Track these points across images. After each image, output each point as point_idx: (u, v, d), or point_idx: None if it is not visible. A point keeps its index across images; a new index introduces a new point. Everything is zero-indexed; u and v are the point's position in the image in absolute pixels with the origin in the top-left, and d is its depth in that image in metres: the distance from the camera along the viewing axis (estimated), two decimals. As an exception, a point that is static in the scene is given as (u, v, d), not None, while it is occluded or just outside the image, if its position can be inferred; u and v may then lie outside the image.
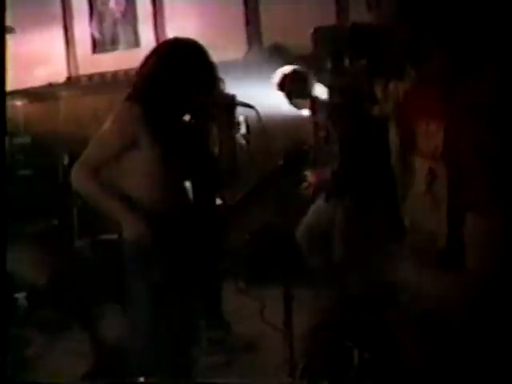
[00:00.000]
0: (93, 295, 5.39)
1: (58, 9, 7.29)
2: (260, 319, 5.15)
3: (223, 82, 3.47)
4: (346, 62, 5.72)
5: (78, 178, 3.27)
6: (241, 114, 3.62)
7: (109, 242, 5.59)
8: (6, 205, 3.47)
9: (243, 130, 4.48)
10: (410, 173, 2.12)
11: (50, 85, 7.16)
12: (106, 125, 3.26)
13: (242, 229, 5.01)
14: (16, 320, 5.22)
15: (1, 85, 3.29)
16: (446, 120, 1.99)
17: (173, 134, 3.33)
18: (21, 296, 5.45)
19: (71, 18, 7.26)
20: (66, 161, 6.33)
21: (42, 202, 5.91)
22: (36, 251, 5.45)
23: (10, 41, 7.32)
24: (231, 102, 3.45)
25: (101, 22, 7.18)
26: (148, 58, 3.38)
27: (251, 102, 3.58)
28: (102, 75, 7.07)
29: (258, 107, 3.73)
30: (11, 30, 7.20)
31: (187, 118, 3.47)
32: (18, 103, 7.27)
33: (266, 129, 3.72)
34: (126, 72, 6.76)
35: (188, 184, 3.49)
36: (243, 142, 3.66)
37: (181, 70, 3.29)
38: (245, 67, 5.56)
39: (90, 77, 7.10)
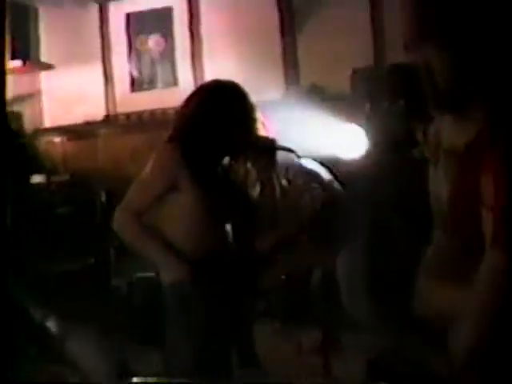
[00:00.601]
0: (128, 334, 5.39)
1: (97, 47, 7.35)
2: (297, 360, 5.14)
3: (263, 124, 3.48)
4: (385, 103, 5.72)
5: (120, 223, 3.28)
6: (281, 157, 3.61)
7: (145, 280, 5.60)
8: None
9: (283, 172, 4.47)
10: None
11: (88, 123, 7.21)
12: (147, 168, 3.27)
13: (279, 271, 4.98)
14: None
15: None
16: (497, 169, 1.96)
17: (212, 177, 3.33)
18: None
19: (110, 56, 7.32)
20: (103, 198, 6.37)
21: (79, 240, 5.93)
22: (73, 290, 5.47)
23: (49, 77, 7.46)
24: (271, 146, 3.46)
25: (139, 60, 7.24)
26: (188, 100, 3.39)
27: (288, 142, 3.59)
28: (139, 114, 7.11)
29: (295, 147, 3.73)
30: (50, 67, 7.31)
31: (227, 160, 3.48)
32: (57, 140, 7.34)
33: (305, 172, 3.72)
34: (164, 111, 6.81)
35: (227, 226, 3.48)
36: (284, 184, 3.63)
37: (221, 112, 3.30)
38: (282, 107, 5.56)
39: (128, 115, 7.14)
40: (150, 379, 2.79)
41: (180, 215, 3.29)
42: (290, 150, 3.50)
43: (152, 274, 5.08)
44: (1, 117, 3.03)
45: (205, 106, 3.32)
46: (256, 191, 3.63)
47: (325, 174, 4.00)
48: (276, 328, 5.81)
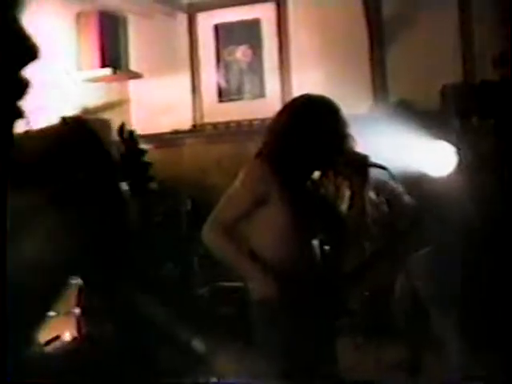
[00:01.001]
0: (212, 343, 5.42)
1: (185, 57, 7.43)
2: (379, 376, 5.10)
3: (354, 139, 3.47)
4: (474, 120, 5.66)
5: (210, 236, 3.30)
6: (373, 174, 3.59)
7: (229, 289, 5.63)
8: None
9: (375, 189, 4.46)
10: None
11: (176, 132, 7.29)
12: (237, 182, 3.29)
13: (365, 287, 4.97)
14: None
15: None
16: None
17: (302, 192, 3.33)
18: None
19: (198, 66, 7.40)
20: (189, 207, 6.43)
21: (164, 248, 5.99)
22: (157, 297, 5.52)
23: (138, 86, 7.57)
24: (364, 162, 3.44)
25: (227, 71, 7.30)
26: (280, 114, 3.40)
27: (375, 157, 3.56)
28: (226, 124, 7.17)
29: (382, 162, 3.71)
30: (138, 76, 7.42)
31: (317, 175, 3.48)
32: (144, 148, 7.43)
33: (397, 189, 3.70)
34: (251, 122, 6.87)
35: (315, 242, 3.48)
36: (375, 201, 3.64)
37: (314, 127, 3.29)
38: (370, 122, 5.54)
39: (215, 125, 7.21)
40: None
41: (269, 230, 3.30)
42: (382, 168, 3.48)
43: (235, 284, 5.12)
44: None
45: (296, 121, 3.32)
46: (346, 207, 3.62)
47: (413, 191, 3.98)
48: (358, 344, 5.78)
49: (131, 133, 6.23)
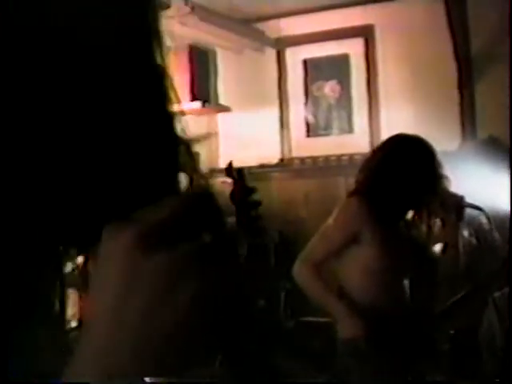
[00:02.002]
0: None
1: (273, 91, 7.52)
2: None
3: (449, 180, 3.48)
4: None
5: (301, 273, 3.36)
6: (468, 215, 3.60)
7: (314, 324, 5.65)
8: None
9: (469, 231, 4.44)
10: None
11: (262, 165, 7.36)
12: (330, 219, 3.34)
13: (450, 329, 4.94)
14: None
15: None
16: None
17: (395, 231, 3.36)
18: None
19: (286, 100, 7.48)
20: (276, 241, 6.48)
21: (251, 282, 6.04)
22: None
23: (226, 120, 7.69)
24: (460, 203, 3.45)
25: (315, 106, 7.36)
26: (375, 153, 3.44)
27: (465, 195, 3.57)
28: (314, 159, 7.21)
29: (471, 200, 3.71)
30: (227, 109, 7.54)
31: (410, 215, 3.50)
32: (230, 181, 7.51)
33: (493, 230, 3.69)
34: (339, 157, 6.90)
35: (406, 282, 3.49)
36: (471, 243, 3.63)
37: (409, 167, 3.33)
38: (459, 159, 5.52)
39: (303, 160, 7.26)
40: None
41: (359, 268, 3.33)
42: (479, 209, 3.49)
43: (320, 319, 5.14)
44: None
45: (393, 160, 3.36)
46: (439, 248, 3.63)
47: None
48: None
49: (240, 170, 6.27)
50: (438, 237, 3.55)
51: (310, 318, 5.80)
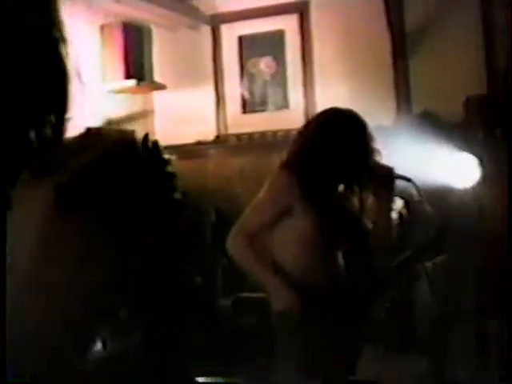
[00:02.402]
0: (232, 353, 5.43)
1: (209, 68, 7.46)
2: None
3: (380, 153, 3.48)
4: (498, 132, 5.65)
5: (234, 246, 3.33)
6: (398, 186, 3.60)
7: (251, 300, 5.63)
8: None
9: (400, 202, 4.46)
10: None
11: (199, 143, 7.32)
12: (261, 192, 3.31)
13: (384, 300, 4.97)
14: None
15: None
16: None
17: (326, 204, 3.34)
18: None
19: (222, 77, 7.43)
20: (213, 218, 6.45)
21: (187, 259, 6.00)
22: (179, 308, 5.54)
23: (161, 98, 7.61)
24: (390, 175, 3.45)
25: (251, 82, 7.32)
26: (307, 127, 3.42)
27: (398, 169, 3.57)
28: (250, 135, 7.18)
29: (405, 174, 3.71)
30: (162, 87, 7.46)
31: (342, 187, 3.49)
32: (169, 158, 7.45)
33: (423, 202, 3.71)
34: (274, 133, 6.88)
35: (339, 254, 3.48)
36: (401, 214, 3.64)
37: (340, 141, 3.31)
38: (394, 134, 5.54)
39: (239, 136, 7.23)
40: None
41: (292, 241, 3.32)
42: (407, 180, 3.49)
43: (258, 295, 5.13)
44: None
45: (324, 133, 3.34)
46: (371, 220, 3.63)
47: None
48: (379, 355, 5.76)
49: (155, 142, 6.20)
50: (370, 209, 3.54)
51: (248, 294, 5.78)
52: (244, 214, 3.39)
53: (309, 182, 3.27)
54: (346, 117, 3.42)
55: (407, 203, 4.13)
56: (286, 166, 3.36)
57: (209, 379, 4.02)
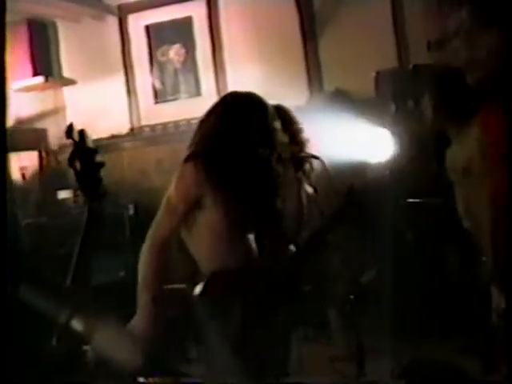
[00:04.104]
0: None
1: (118, 60, 7.35)
2: (330, 368, 5.08)
3: (284, 133, 3.42)
4: (410, 104, 5.66)
5: (144, 256, 3.23)
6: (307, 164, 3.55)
7: (176, 291, 5.56)
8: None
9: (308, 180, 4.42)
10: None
11: (113, 136, 7.21)
12: (170, 189, 3.21)
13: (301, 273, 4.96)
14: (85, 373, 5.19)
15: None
16: None
17: (236, 190, 3.27)
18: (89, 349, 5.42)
19: (132, 68, 7.32)
20: (131, 211, 6.35)
21: (108, 254, 5.90)
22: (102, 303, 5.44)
23: (72, 93, 7.47)
24: (297, 154, 3.40)
25: (162, 72, 7.23)
26: (207, 116, 3.33)
27: (313, 148, 3.53)
28: (164, 125, 7.10)
29: (320, 153, 3.68)
30: (72, 82, 7.32)
31: (250, 170, 3.41)
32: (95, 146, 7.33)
33: (331, 178, 3.67)
34: (188, 121, 6.79)
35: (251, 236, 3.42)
36: (310, 191, 3.59)
37: (240, 124, 3.24)
38: (307, 113, 5.52)
39: (153, 127, 7.13)
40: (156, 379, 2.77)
41: (206, 233, 3.24)
42: (315, 157, 3.44)
43: (182, 286, 5.05)
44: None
45: (223, 119, 3.26)
46: (282, 199, 3.58)
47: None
48: (309, 335, 5.76)
49: (81, 131, 5.99)
50: (280, 189, 3.48)
51: (174, 286, 5.71)
52: (157, 218, 3.28)
53: (216, 171, 3.18)
54: (243, 99, 3.35)
55: (316, 181, 4.09)
56: (192, 158, 3.26)
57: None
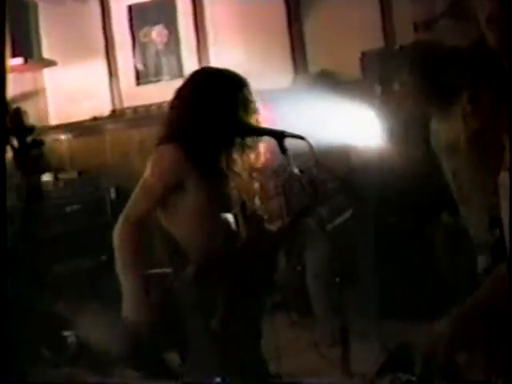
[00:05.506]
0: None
1: (99, 41, 7.25)
2: (315, 353, 5.04)
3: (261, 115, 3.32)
4: (396, 85, 5.60)
5: (119, 235, 3.10)
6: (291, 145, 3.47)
7: (159, 276, 5.49)
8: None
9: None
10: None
11: (95, 118, 7.11)
12: (147, 171, 3.09)
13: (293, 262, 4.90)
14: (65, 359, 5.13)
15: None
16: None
17: (216, 171, 3.17)
18: (70, 334, 5.36)
19: (113, 49, 7.22)
20: (113, 194, 6.27)
21: (90, 238, 5.82)
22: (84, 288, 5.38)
23: (52, 74, 7.36)
24: (281, 134, 3.29)
25: (144, 53, 7.14)
26: (179, 93, 3.22)
27: (298, 130, 3.45)
28: (146, 107, 7.01)
29: (305, 135, 3.60)
30: (52, 64, 7.21)
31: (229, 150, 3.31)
32: (63, 137, 7.24)
33: (317, 158, 3.59)
34: (171, 103, 6.71)
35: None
36: (293, 172, 3.51)
37: (217, 100, 3.12)
38: (292, 95, 5.44)
39: (135, 109, 7.04)
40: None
41: (187, 214, 3.14)
42: (300, 138, 3.32)
43: (166, 270, 4.98)
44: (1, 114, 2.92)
45: (198, 98, 3.14)
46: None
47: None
48: (294, 320, 5.71)
49: (16, 110, 5.82)
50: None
51: (154, 270, 5.64)
52: (132, 197, 3.15)
53: (195, 152, 3.07)
54: (218, 78, 3.23)
55: (302, 163, 4.01)
56: (168, 140, 3.13)
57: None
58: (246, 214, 3.25)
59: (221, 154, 3.15)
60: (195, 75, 3.23)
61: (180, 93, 3.18)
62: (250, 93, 3.16)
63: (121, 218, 3.09)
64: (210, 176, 3.09)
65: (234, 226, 3.22)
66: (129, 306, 3.06)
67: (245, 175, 3.27)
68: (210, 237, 3.16)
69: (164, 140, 3.08)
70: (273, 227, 3.31)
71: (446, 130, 2.42)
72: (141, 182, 3.10)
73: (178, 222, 3.16)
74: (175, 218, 3.15)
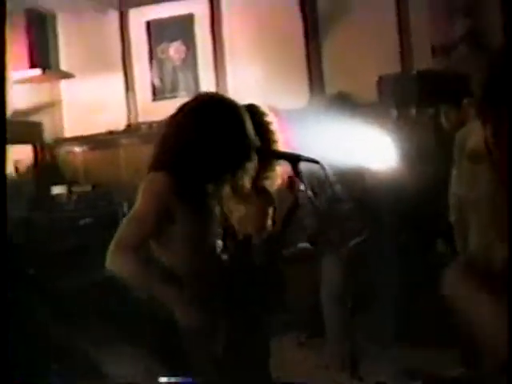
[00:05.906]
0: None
1: (117, 55, 7.27)
2: (323, 373, 5.02)
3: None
4: (412, 110, 5.60)
5: (119, 262, 3.00)
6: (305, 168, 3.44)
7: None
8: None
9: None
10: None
11: (110, 132, 7.13)
12: (137, 201, 3.00)
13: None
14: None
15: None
16: None
17: (206, 202, 3.12)
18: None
19: (131, 64, 7.25)
20: (126, 209, 6.26)
21: (101, 252, 5.80)
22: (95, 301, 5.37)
23: (69, 86, 7.38)
24: (296, 158, 3.24)
25: (161, 68, 7.16)
26: (171, 121, 3.15)
27: (312, 152, 3.43)
28: (161, 123, 7.00)
29: (319, 157, 3.58)
30: (70, 76, 7.23)
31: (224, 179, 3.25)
32: (78, 150, 7.26)
33: (331, 182, 3.57)
34: (186, 120, 6.72)
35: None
36: (310, 195, 3.48)
37: (213, 128, 3.04)
38: (307, 116, 5.44)
39: (150, 124, 7.04)
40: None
41: (176, 243, 3.07)
42: (315, 162, 3.28)
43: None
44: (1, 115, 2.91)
45: (192, 126, 3.07)
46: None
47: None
48: (302, 341, 5.70)
49: None
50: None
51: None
52: (123, 225, 3.04)
53: (186, 182, 3.00)
54: (211, 102, 3.15)
55: (317, 186, 3.99)
56: (160, 167, 3.06)
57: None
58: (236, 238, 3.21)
59: (214, 181, 3.08)
60: (190, 103, 3.14)
61: (174, 120, 3.11)
62: (248, 119, 3.08)
63: (113, 249, 2.96)
64: (201, 207, 3.03)
65: (221, 249, 3.18)
66: (179, 314, 3.00)
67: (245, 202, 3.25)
68: (201, 264, 3.10)
69: (156, 167, 3.01)
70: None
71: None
72: (131, 212, 2.99)
73: (168, 248, 3.08)
74: (165, 245, 3.08)
